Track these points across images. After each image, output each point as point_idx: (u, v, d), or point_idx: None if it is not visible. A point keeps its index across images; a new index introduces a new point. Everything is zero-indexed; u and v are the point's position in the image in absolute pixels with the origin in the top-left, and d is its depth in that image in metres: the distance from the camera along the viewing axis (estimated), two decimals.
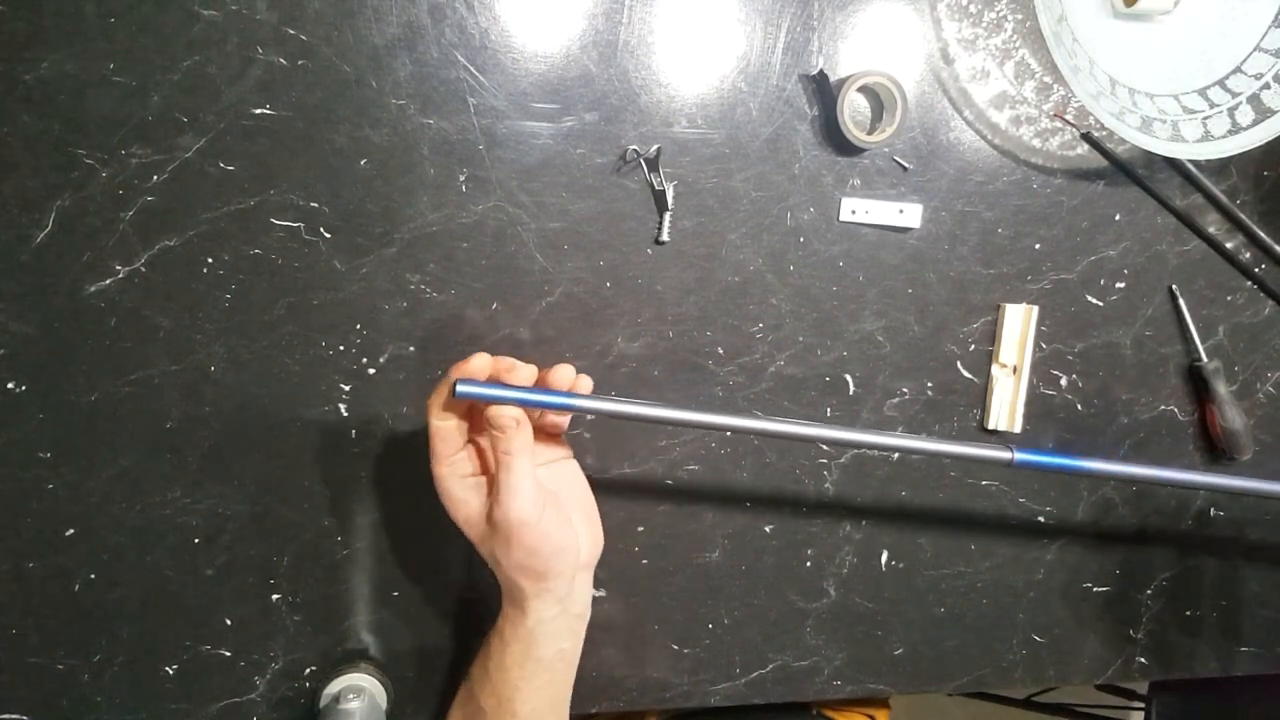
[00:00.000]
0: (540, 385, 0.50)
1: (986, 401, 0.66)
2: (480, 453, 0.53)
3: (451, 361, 0.58)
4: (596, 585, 0.62)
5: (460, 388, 0.47)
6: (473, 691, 0.55)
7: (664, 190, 0.58)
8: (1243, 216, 0.65)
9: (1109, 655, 0.72)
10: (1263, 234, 0.65)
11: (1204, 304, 0.68)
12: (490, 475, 0.52)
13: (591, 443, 0.61)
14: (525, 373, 0.50)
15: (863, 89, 0.59)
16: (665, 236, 0.59)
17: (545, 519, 0.50)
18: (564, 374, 0.50)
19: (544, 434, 0.54)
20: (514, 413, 0.48)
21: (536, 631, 0.52)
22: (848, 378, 0.64)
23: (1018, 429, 0.66)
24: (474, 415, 0.52)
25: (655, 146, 0.57)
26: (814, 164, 0.60)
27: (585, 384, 0.51)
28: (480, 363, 0.49)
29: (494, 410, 0.48)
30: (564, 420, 0.54)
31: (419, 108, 0.55)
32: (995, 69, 0.62)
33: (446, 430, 0.50)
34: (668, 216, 0.59)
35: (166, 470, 0.56)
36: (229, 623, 0.59)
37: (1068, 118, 0.62)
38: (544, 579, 0.51)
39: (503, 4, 0.55)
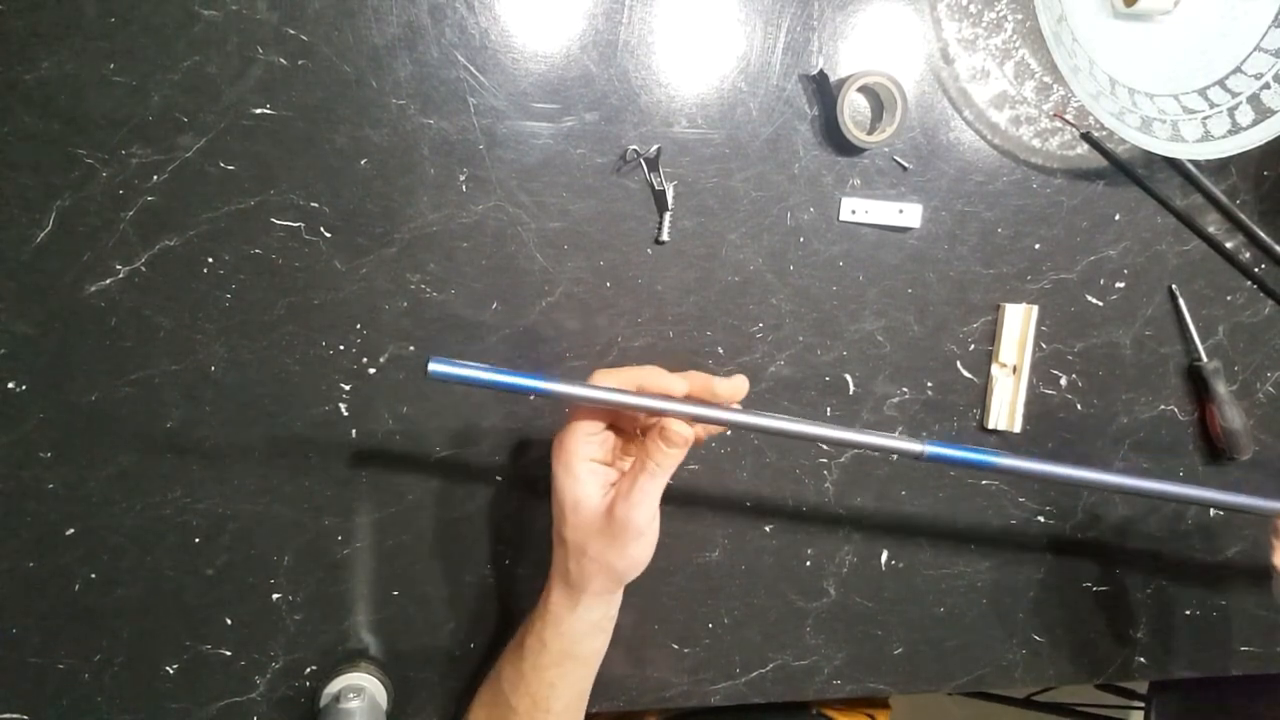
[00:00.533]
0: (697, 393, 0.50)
1: (986, 401, 0.66)
2: (617, 443, 0.53)
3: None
4: None
5: (432, 366, 0.45)
6: (501, 691, 0.56)
7: (664, 190, 0.58)
8: (1242, 216, 0.65)
9: (1109, 655, 0.72)
10: (1262, 234, 0.65)
11: (1204, 304, 0.68)
12: (616, 467, 0.52)
13: None
14: (679, 384, 0.49)
15: (863, 89, 0.59)
16: (665, 236, 0.59)
17: (652, 532, 0.51)
18: (726, 384, 0.50)
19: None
20: (686, 431, 0.49)
21: (579, 628, 0.53)
22: (848, 377, 0.64)
23: (1018, 429, 0.66)
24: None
25: (655, 146, 0.57)
26: (814, 164, 0.60)
27: (731, 386, 0.51)
28: (676, 384, 0.49)
29: (676, 426, 0.48)
30: (701, 433, 0.53)
31: (419, 108, 0.55)
32: (995, 69, 0.62)
33: (599, 411, 0.50)
34: (668, 216, 0.59)
35: (166, 470, 0.56)
36: (229, 622, 0.59)
37: (1068, 117, 0.63)
38: (618, 584, 0.53)
39: (503, 4, 0.55)
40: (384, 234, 0.56)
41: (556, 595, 0.53)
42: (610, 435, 0.52)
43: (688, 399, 0.49)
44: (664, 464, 0.49)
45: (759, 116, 0.59)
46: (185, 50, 0.52)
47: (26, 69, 0.51)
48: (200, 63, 0.52)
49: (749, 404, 0.63)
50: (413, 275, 0.57)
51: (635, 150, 0.58)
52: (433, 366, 0.45)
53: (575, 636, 0.53)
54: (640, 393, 0.49)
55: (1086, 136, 0.62)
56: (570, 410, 0.51)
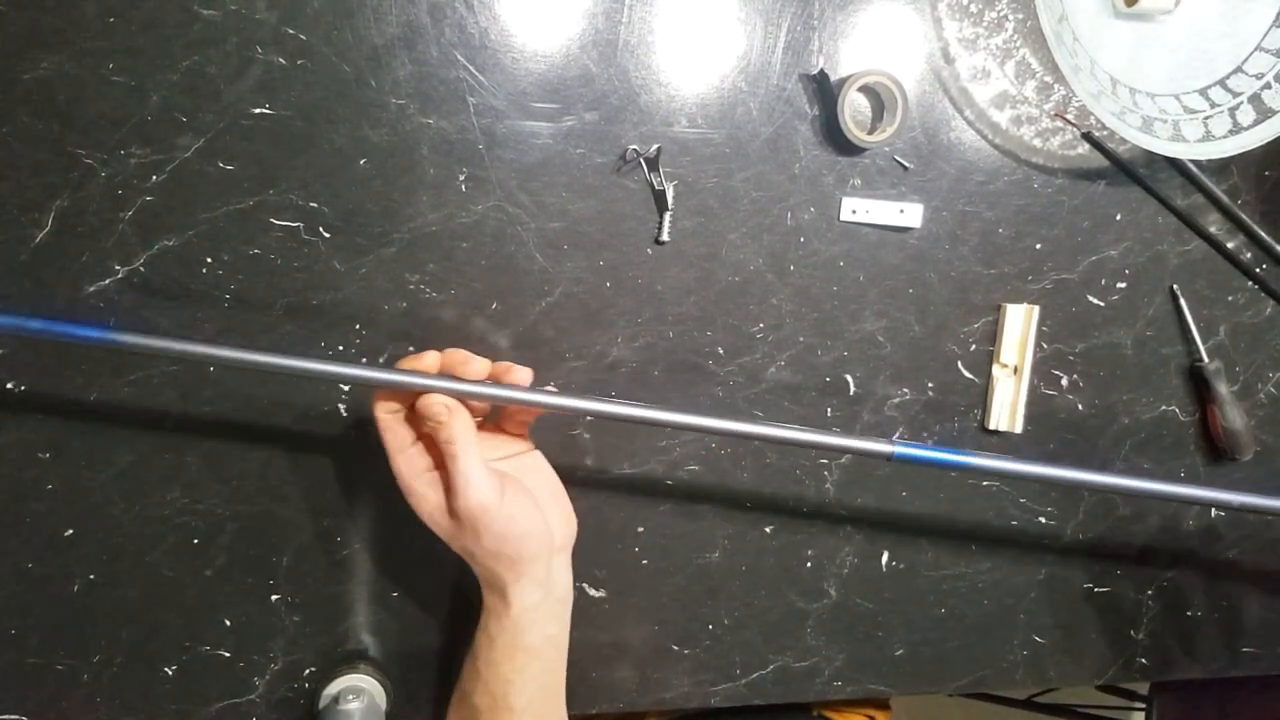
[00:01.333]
0: (491, 379, 0.50)
1: (987, 402, 0.66)
2: (434, 447, 0.52)
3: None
4: (596, 586, 0.62)
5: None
6: (465, 692, 0.55)
7: (664, 190, 0.58)
8: (1243, 216, 0.65)
9: (1110, 655, 0.72)
10: (1263, 234, 0.65)
11: (1205, 304, 0.67)
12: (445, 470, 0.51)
13: (591, 443, 0.61)
14: (477, 366, 0.50)
15: (863, 88, 0.59)
16: (665, 236, 0.59)
17: (507, 503, 0.50)
18: (516, 373, 0.50)
19: (506, 430, 0.55)
20: (445, 400, 0.48)
21: (521, 620, 0.52)
22: (848, 378, 0.64)
23: (1019, 429, 0.66)
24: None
25: (655, 146, 0.57)
26: (814, 164, 0.60)
27: (523, 375, 0.51)
28: (430, 359, 0.49)
29: (423, 400, 0.48)
30: (528, 415, 0.54)
31: (419, 107, 0.55)
32: (996, 68, 0.62)
33: (391, 422, 0.50)
34: (668, 216, 0.59)
35: (166, 470, 0.56)
36: (228, 623, 0.59)
37: (1069, 117, 0.62)
38: (519, 563, 0.51)
39: (503, 4, 0.55)
40: (383, 234, 0.56)
41: (486, 596, 0.54)
42: (424, 441, 0.52)
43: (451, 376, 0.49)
44: (451, 438, 0.48)
45: (759, 116, 0.59)
46: (184, 50, 0.52)
47: (26, 69, 0.51)
48: (199, 62, 0.52)
49: (749, 405, 0.63)
50: (412, 275, 0.57)
51: (635, 150, 0.57)
52: None
53: (518, 628, 0.52)
54: (416, 372, 0.49)
55: (1088, 136, 0.62)
56: (374, 420, 0.50)
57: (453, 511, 0.50)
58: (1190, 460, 0.70)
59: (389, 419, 0.50)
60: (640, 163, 0.58)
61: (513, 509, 0.50)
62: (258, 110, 0.53)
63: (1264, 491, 0.56)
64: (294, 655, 0.60)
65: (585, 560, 0.62)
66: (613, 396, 0.61)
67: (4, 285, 0.52)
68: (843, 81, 0.58)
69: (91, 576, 0.57)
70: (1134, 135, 0.58)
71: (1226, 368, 0.68)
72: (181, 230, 0.54)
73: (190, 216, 0.54)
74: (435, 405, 0.49)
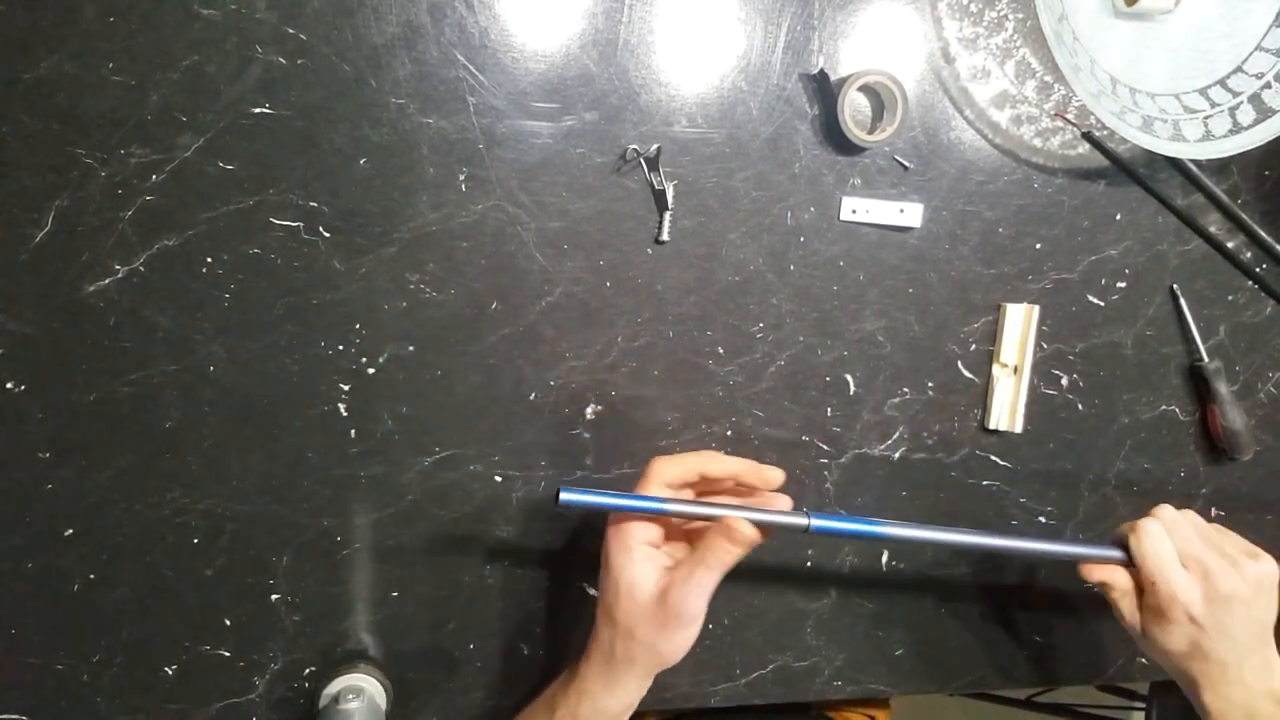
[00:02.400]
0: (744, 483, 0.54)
1: (987, 401, 0.66)
2: (671, 528, 0.54)
3: (450, 361, 0.58)
4: (597, 586, 0.62)
5: (564, 495, 0.49)
6: None
7: (664, 189, 0.58)
8: (1244, 216, 0.65)
9: (1110, 655, 0.72)
10: (1263, 233, 0.65)
11: (1205, 304, 0.67)
12: (664, 551, 0.53)
13: (592, 442, 0.61)
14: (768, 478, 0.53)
15: (863, 88, 0.59)
16: (665, 236, 0.59)
17: (700, 622, 0.52)
18: (769, 474, 0.53)
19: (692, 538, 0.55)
20: (755, 535, 0.50)
21: (612, 710, 0.53)
22: (848, 378, 0.64)
23: (1019, 429, 0.66)
24: (699, 486, 0.54)
25: (655, 146, 0.57)
26: (814, 163, 0.60)
27: (776, 476, 0.54)
28: (739, 468, 0.53)
29: (744, 527, 0.50)
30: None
31: (419, 107, 0.55)
32: (996, 68, 0.62)
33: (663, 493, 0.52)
34: (668, 216, 0.59)
35: (166, 470, 0.56)
36: (228, 623, 0.59)
37: (1069, 117, 0.62)
38: (657, 669, 0.53)
39: (503, 3, 0.55)
40: (383, 234, 0.56)
41: (596, 671, 0.53)
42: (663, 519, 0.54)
43: (754, 503, 0.53)
44: (725, 560, 0.50)
45: (759, 116, 0.59)
46: (184, 49, 0.52)
47: (26, 69, 0.51)
48: (199, 62, 0.52)
49: (749, 405, 0.63)
50: (412, 275, 0.57)
51: (635, 149, 0.57)
52: (564, 496, 0.49)
53: (608, 716, 0.53)
54: (704, 482, 0.53)
55: (1088, 136, 0.62)
56: (637, 487, 0.52)
57: (666, 599, 0.51)
58: (1190, 460, 0.70)
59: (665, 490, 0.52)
60: (640, 162, 0.58)
61: (698, 628, 0.52)
62: (258, 110, 0.53)
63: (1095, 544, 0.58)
64: (294, 655, 0.60)
65: (586, 560, 0.62)
66: (613, 396, 0.61)
67: (4, 285, 0.52)
68: (843, 81, 0.58)
69: (91, 576, 0.57)
70: (1134, 135, 0.58)
71: (1226, 368, 0.68)
72: (181, 230, 0.54)
73: (190, 216, 0.54)
74: (746, 536, 0.50)
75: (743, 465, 0.53)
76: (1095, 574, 0.57)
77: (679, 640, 0.52)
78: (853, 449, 0.65)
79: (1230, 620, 0.53)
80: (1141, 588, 0.56)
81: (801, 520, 0.52)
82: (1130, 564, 0.56)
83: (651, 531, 0.53)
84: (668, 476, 0.52)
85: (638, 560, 0.51)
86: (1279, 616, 0.56)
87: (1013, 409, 0.66)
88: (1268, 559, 0.55)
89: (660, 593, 0.51)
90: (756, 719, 0.76)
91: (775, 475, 0.54)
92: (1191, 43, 0.62)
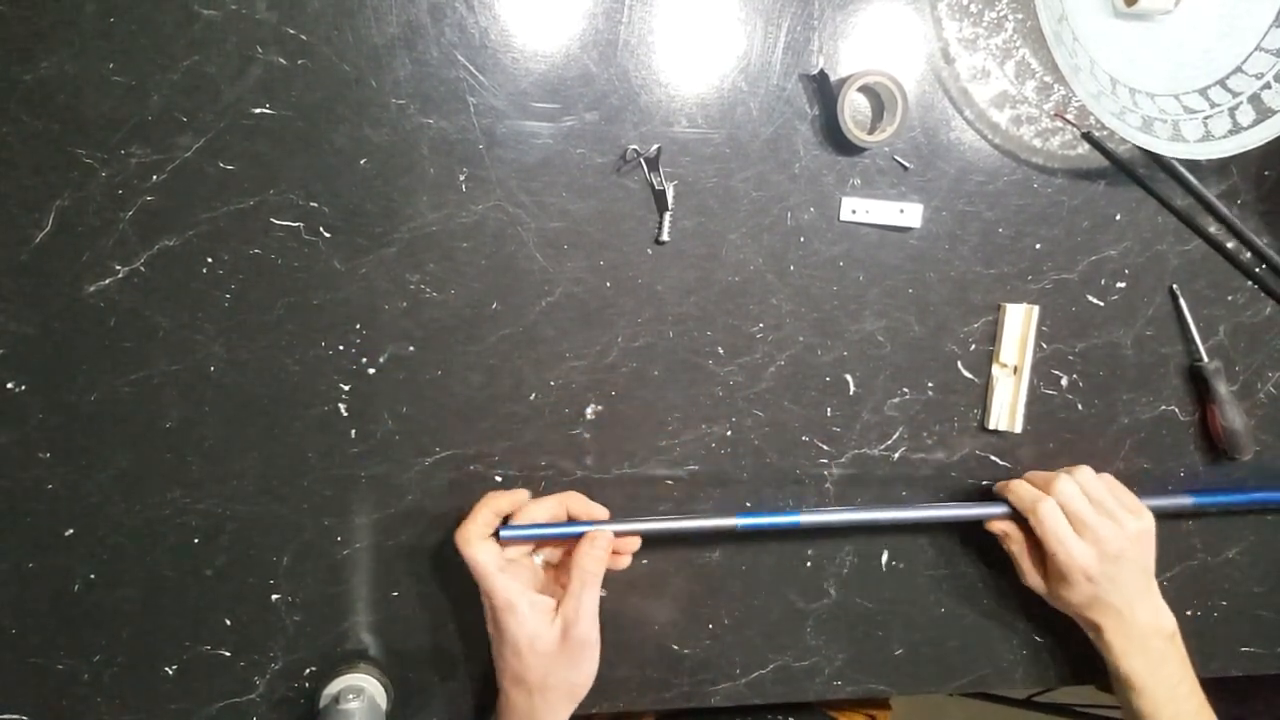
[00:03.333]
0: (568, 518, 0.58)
1: (987, 401, 0.66)
2: (525, 571, 0.57)
3: (450, 361, 0.58)
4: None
5: (504, 533, 0.55)
6: None
7: (664, 190, 0.58)
8: (1236, 221, 0.65)
9: None
10: (1256, 238, 0.65)
11: (1205, 304, 0.67)
12: (548, 593, 0.56)
13: (591, 443, 0.61)
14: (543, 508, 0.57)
15: (863, 88, 0.59)
16: (665, 236, 0.59)
17: (598, 640, 0.55)
18: (586, 508, 0.58)
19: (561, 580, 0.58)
20: (609, 538, 0.56)
21: None
22: (848, 378, 0.64)
23: (1018, 429, 0.66)
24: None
25: (655, 146, 0.57)
26: (814, 164, 0.60)
27: (600, 512, 0.59)
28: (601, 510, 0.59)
29: (596, 534, 0.55)
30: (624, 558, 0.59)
31: (419, 107, 0.55)
32: (996, 68, 0.62)
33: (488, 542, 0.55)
34: (668, 216, 0.59)
35: (166, 470, 0.56)
36: (229, 623, 0.59)
37: (1069, 117, 0.62)
38: (576, 703, 0.55)
39: (503, 4, 0.55)
40: (384, 234, 0.56)
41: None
42: (534, 561, 0.58)
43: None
44: (598, 571, 0.54)
45: (759, 116, 0.59)
46: (184, 50, 0.52)
47: (26, 69, 0.51)
48: (199, 62, 0.52)
49: (749, 405, 0.63)
50: (412, 275, 0.57)
51: (635, 150, 0.57)
52: (504, 533, 0.55)
53: None
54: (573, 519, 0.58)
55: (1088, 136, 0.62)
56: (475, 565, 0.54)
57: (563, 636, 0.53)
58: (1190, 460, 0.70)
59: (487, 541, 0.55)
60: (640, 162, 0.58)
61: (598, 646, 0.55)
62: (258, 110, 0.53)
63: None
64: (294, 654, 0.60)
65: None
66: (613, 396, 0.61)
67: (4, 285, 0.52)
68: (843, 81, 0.58)
69: (91, 576, 0.57)
70: (1134, 135, 0.58)
71: (1226, 368, 0.68)
72: (182, 230, 0.54)
73: (190, 216, 0.54)
74: (607, 540, 0.56)
75: (558, 505, 0.57)
76: (993, 525, 0.64)
77: (589, 667, 0.54)
78: (853, 449, 0.65)
79: (1120, 573, 0.61)
80: (1034, 541, 0.63)
81: (731, 521, 0.59)
82: (1015, 517, 0.63)
83: (528, 577, 0.56)
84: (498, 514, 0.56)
85: (528, 614, 0.53)
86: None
87: (1012, 409, 0.66)
88: (1147, 514, 0.62)
89: (560, 633, 0.53)
90: (769, 718, 0.76)
91: (599, 510, 0.59)
92: (1191, 43, 0.62)
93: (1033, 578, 0.64)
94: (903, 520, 0.63)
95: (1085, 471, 0.62)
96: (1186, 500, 0.66)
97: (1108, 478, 0.63)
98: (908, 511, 0.63)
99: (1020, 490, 0.63)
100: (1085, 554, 0.60)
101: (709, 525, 0.60)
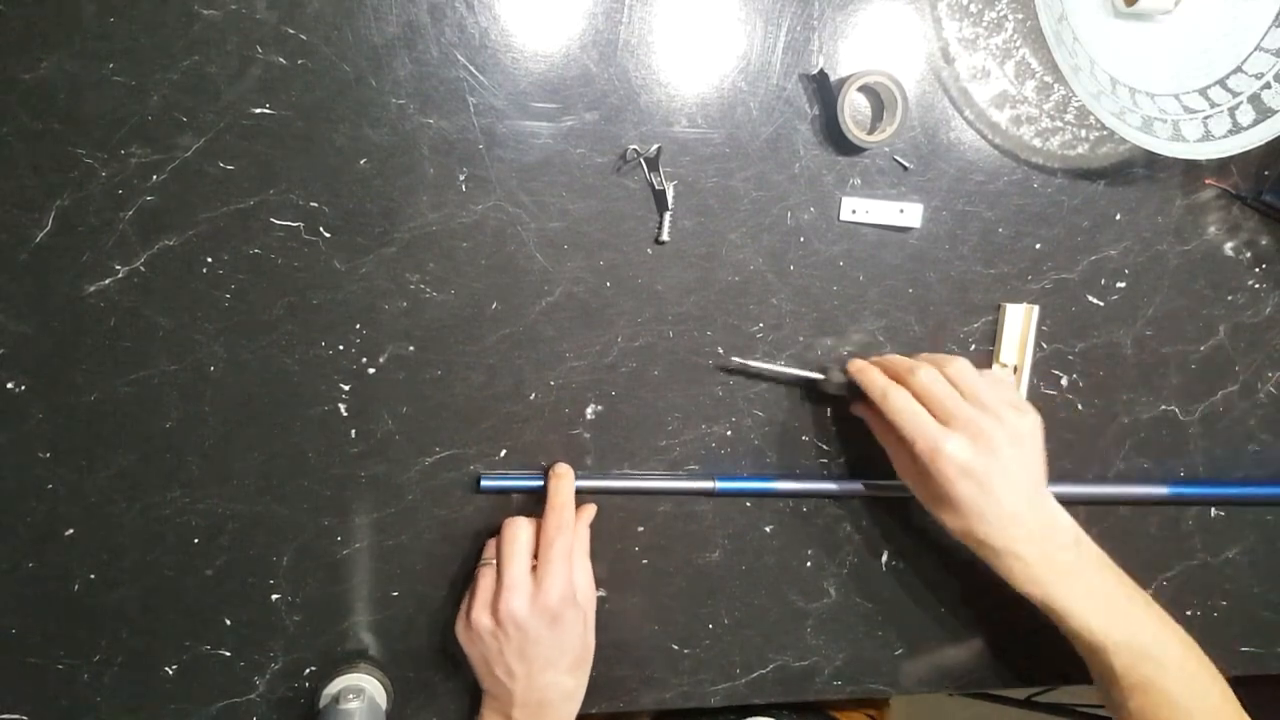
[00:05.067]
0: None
1: None
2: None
3: (450, 361, 0.58)
4: (596, 585, 0.62)
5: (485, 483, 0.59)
6: None
7: (664, 190, 0.58)
8: None
9: None
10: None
11: (1204, 304, 0.67)
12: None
13: (591, 443, 0.61)
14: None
15: (863, 88, 0.59)
16: (665, 236, 0.59)
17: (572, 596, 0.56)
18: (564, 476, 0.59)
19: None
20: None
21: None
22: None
23: None
24: None
25: (655, 146, 0.57)
26: (814, 163, 0.60)
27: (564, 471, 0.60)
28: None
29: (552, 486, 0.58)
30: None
31: (419, 107, 0.55)
32: (996, 68, 0.62)
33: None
34: (668, 216, 0.59)
35: (166, 470, 0.56)
36: (229, 623, 0.59)
37: (1210, 180, 0.64)
38: (585, 670, 0.58)
39: (503, 3, 0.55)
40: (383, 234, 0.56)
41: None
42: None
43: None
44: (566, 532, 0.56)
45: (759, 116, 0.59)
46: (184, 50, 0.52)
47: (26, 69, 0.51)
48: (199, 62, 0.52)
49: (748, 405, 0.63)
50: (412, 275, 0.57)
51: (635, 150, 0.57)
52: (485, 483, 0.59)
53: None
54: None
55: (1246, 200, 0.64)
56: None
57: (536, 603, 0.54)
58: (1190, 460, 0.70)
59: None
60: (640, 162, 0.58)
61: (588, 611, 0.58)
62: (258, 110, 0.53)
63: None
64: (294, 654, 0.60)
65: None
66: (613, 396, 0.61)
67: (4, 285, 0.52)
68: (843, 81, 0.58)
69: (91, 576, 0.57)
70: (1134, 135, 0.58)
71: (1227, 367, 0.68)
72: (182, 230, 0.54)
73: (190, 216, 0.54)
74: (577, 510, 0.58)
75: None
76: (856, 409, 0.62)
77: (586, 628, 0.57)
78: (852, 449, 0.65)
79: (1004, 477, 0.53)
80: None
81: (708, 484, 0.61)
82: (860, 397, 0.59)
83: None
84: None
85: (522, 585, 0.55)
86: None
87: None
88: (1031, 411, 0.55)
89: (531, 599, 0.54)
90: (764, 718, 0.76)
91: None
92: (1191, 43, 0.62)
93: (909, 476, 0.58)
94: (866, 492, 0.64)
95: (958, 362, 0.56)
96: (1162, 490, 0.65)
97: (989, 373, 0.58)
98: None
99: (869, 376, 0.56)
100: (957, 445, 0.52)
101: (689, 486, 0.61)
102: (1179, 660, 0.55)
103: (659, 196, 0.59)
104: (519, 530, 0.57)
